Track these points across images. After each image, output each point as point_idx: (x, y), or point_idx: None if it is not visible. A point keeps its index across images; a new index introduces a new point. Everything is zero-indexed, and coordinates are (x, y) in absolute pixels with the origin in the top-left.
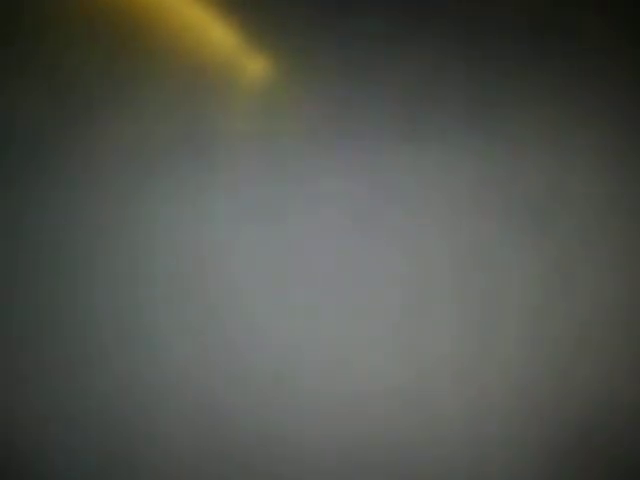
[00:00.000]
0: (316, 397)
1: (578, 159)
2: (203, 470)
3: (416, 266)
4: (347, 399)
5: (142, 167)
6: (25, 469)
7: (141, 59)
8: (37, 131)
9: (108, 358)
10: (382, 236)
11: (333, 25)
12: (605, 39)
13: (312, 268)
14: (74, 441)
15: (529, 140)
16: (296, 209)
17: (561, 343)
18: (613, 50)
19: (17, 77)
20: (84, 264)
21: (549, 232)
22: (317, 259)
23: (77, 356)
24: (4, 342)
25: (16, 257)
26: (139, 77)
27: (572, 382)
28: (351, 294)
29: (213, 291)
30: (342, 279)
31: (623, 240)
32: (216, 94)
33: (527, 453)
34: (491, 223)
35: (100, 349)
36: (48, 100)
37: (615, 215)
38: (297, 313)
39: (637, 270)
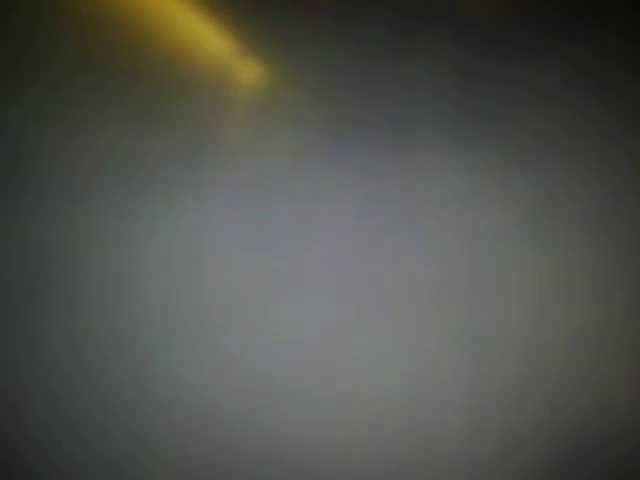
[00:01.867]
0: (316, 401)
1: (571, 170)
2: (201, 474)
3: (415, 273)
4: (347, 403)
5: (136, 175)
6: (25, 471)
7: (135, 66)
8: (31, 135)
9: (108, 363)
10: (380, 242)
11: (329, 32)
12: (601, 44)
13: (310, 273)
14: (74, 444)
15: (523, 152)
16: (294, 216)
17: (556, 350)
18: (610, 56)
19: (10, 83)
20: (81, 270)
21: (543, 243)
22: (315, 264)
23: (77, 360)
24: (4, 344)
25: (14, 261)
26: (133, 84)
27: (567, 387)
28: (351, 300)
29: (212, 299)
30: (341, 285)
31: (615, 250)
32: (211, 100)
33: (524, 455)
34: (486, 233)
35: (100, 353)
36: (44, 105)
37: (608, 225)
38: (295, 318)
39: (630, 277)
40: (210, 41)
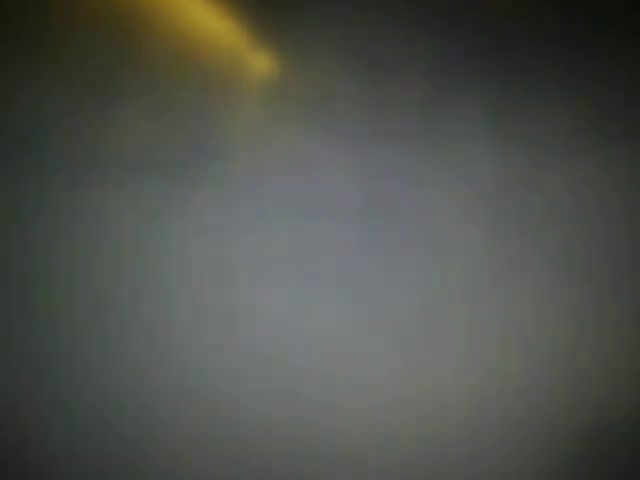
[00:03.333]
0: (317, 404)
1: (570, 172)
2: (204, 469)
3: (418, 281)
4: (347, 399)
5: (145, 168)
6: (25, 468)
7: (145, 58)
8: (37, 128)
9: (110, 357)
10: (386, 246)
11: (340, 24)
12: (601, 44)
13: (313, 268)
14: (75, 442)
15: (523, 152)
16: (300, 208)
17: (559, 347)
18: (610, 56)
19: (14, 80)
20: (86, 262)
21: (544, 242)
22: (318, 259)
23: (78, 355)
24: (4, 343)
25: (16, 258)
26: (143, 76)
27: (571, 384)
28: (352, 295)
29: (213, 293)
30: (342, 279)
31: (616, 247)
32: (221, 92)
33: (528, 466)
34: (486, 233)
35: (102, 348)
36: (52, 98)
37: (609, 225)
38: (300, 319)
39: (632, 275)
40: (220, 33)
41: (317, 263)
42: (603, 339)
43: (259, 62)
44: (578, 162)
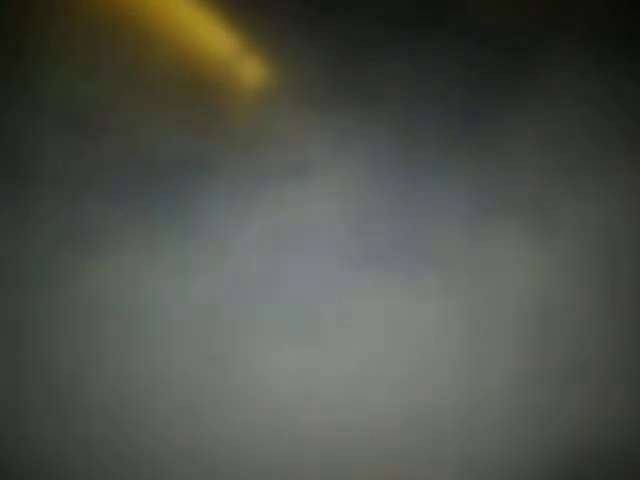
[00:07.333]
0: (316, 391)
1: (570, 176)
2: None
3: (414, 293)
4: (347, 402)
5: (137, 176)
6: (22, 470)
7: (138, 65)
8: (33, 135)
9: (107, 361)
10: (381, 258)
11: (332, 31)
12: (602, 46)
13: (310, 273)
14: (72, 442)
15: (521, 158)
16: (294, 215)
17: (557, 370)
18: (611, 56)
19: (8, 87)
20: (85, 268)
21: (545, 245)
22: (316, 266)
23: (77, 358)
24: (3, 342)
25: (15, 261)
26: (136, 84)
27: (567, 395)
28: (352, 297)
29: (214, 304)
30: (341, 282)
31: (616, 255)
32: (214, 99)
33: (523, 459)
34: (487, 235)
35: (100, 351)
36: (45, 108)
37: (610, 231)
38: (297, 334)
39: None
40: (213, 40)
41: (316, 268)
42: (605, 352)
43: (253, 69)
44: (575, 169)
